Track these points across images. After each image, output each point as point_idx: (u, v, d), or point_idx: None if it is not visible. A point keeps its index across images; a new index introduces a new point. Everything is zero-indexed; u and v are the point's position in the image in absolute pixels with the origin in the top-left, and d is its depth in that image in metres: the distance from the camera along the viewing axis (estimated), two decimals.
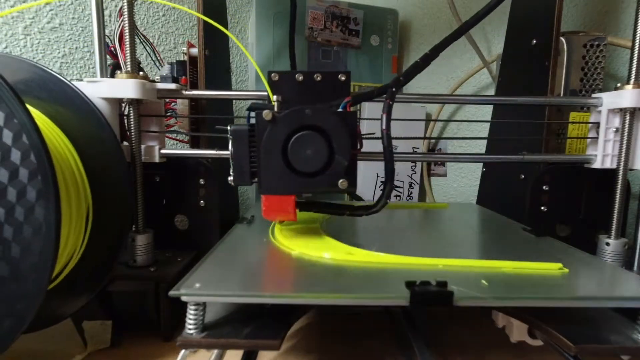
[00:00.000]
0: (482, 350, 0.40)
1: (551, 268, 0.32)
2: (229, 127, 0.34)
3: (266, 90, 0.35)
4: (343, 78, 0.37)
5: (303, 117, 0.32)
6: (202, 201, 0.48)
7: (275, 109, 0.33)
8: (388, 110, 0.35)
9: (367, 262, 0.33)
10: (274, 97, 0.35)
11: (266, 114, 0.32)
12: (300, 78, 0.37)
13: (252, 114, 0.34)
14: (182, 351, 0.29)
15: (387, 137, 0.34)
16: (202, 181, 0.48)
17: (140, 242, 0.43)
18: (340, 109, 0.35)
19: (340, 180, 0.33)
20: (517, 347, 0.39)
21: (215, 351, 0.30)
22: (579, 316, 0.31)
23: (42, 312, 0.29)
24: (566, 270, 0.32)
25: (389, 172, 0.35)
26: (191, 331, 0.28)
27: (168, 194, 0.48)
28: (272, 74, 0.37)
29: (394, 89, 0.36)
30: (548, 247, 0.39)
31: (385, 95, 0.36)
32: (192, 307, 0.28)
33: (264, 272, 0.32)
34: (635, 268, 0.44)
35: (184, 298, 0.27)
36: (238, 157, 0.34)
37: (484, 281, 0.29)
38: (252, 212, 0.51)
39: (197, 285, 0.28)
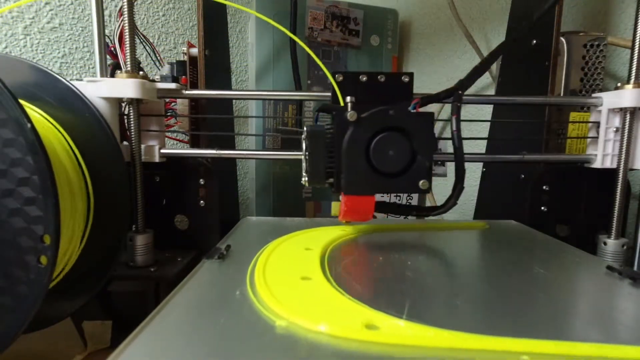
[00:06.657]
0: None
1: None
2: (304, 128, 0.34)
3: (266, 90, 0.35)
4: (406, 79, 0.38)
5: (387, 117, 0.33)
6: (202, 201, 0.48)
7: (349, 109, 0.33)
8: (457, 112, 0.36)
9: (400, 346, 0.19)
10: (348, 98, 0.34)
11: (351, 115, 0.32)
12: (364, 79, 0.37)
13: (319, 115, 0.35)
14: None
15: (458, 138, 0.35)
16: (202, 181, 0.48)
17: (140, 242, 0.43)
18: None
19: (422, 181, 0.34)
20: None
21: None
22: None
23: (42, 312, 0.29)
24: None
25: (461, 173, 0.35)
26: None
27: (168, 194, 0.48)
28: (337, 75, 0.37)
29: (460, 92, 0.37)
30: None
31: (452, 98, 0.37)
32: None
33: None
34: (635, 268, 0.44)
35: None
36: (314, 157, 0.34)
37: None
38: (229, 241, 0.39)
39: None
